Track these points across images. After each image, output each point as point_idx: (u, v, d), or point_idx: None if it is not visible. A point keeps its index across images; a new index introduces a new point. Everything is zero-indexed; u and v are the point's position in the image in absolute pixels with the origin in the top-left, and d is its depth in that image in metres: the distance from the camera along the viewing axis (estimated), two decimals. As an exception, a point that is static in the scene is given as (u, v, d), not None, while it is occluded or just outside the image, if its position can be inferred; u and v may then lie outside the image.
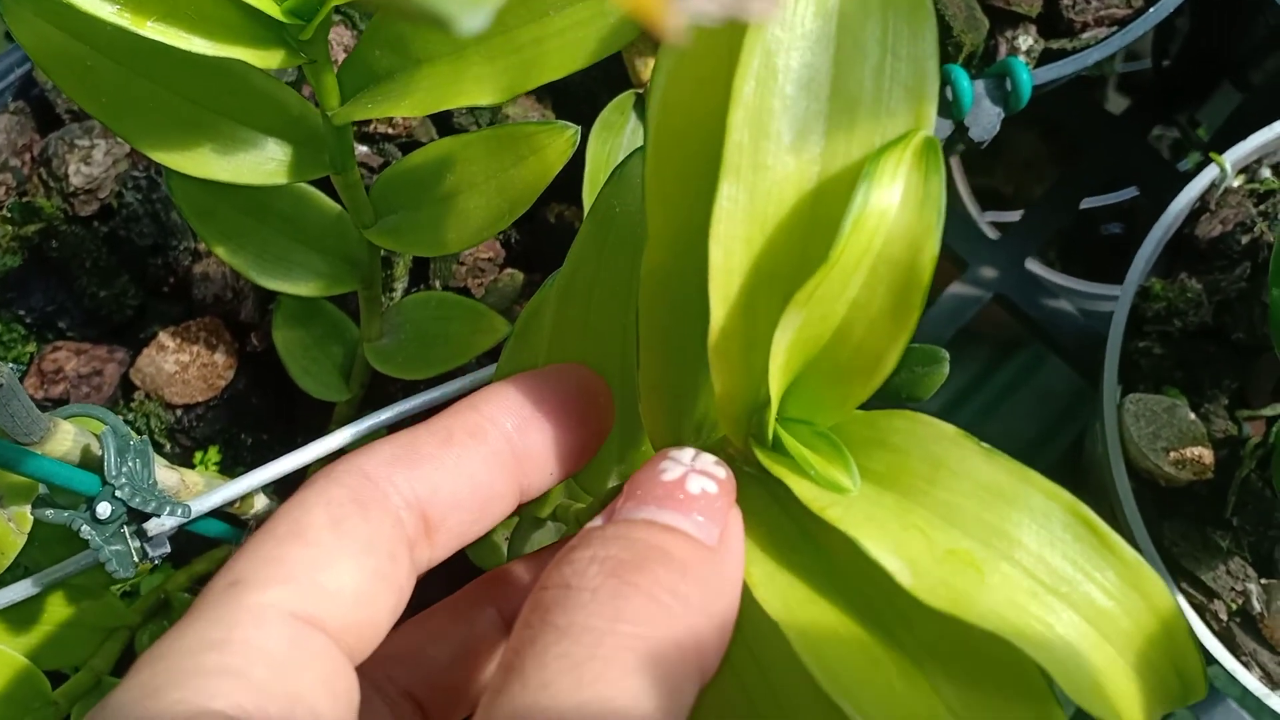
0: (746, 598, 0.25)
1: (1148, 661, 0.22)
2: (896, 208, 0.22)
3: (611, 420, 0.30)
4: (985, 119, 0.50)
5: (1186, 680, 0.23)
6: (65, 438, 0.35)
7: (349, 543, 0.24)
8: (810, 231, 0.24)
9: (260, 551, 0.23)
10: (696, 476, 0.24)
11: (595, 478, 0.33)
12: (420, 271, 0.55)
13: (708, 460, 0.25)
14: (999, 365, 1.00)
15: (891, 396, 0.49)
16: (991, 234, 0.83)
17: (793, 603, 0.24)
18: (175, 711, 0.20)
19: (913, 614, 0.23)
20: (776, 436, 0.25)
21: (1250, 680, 0.49)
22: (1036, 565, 0.22)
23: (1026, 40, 0.53)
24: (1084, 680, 0.21)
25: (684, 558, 0.23)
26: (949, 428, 0.24)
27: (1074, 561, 0.22)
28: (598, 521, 0.24)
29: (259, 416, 0.53)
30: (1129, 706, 0.22)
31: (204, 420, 0.52)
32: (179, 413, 0.51)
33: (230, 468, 0.52)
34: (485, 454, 0.27)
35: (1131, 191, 0.88)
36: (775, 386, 0.24)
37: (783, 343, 0.23)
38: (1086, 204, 0.88)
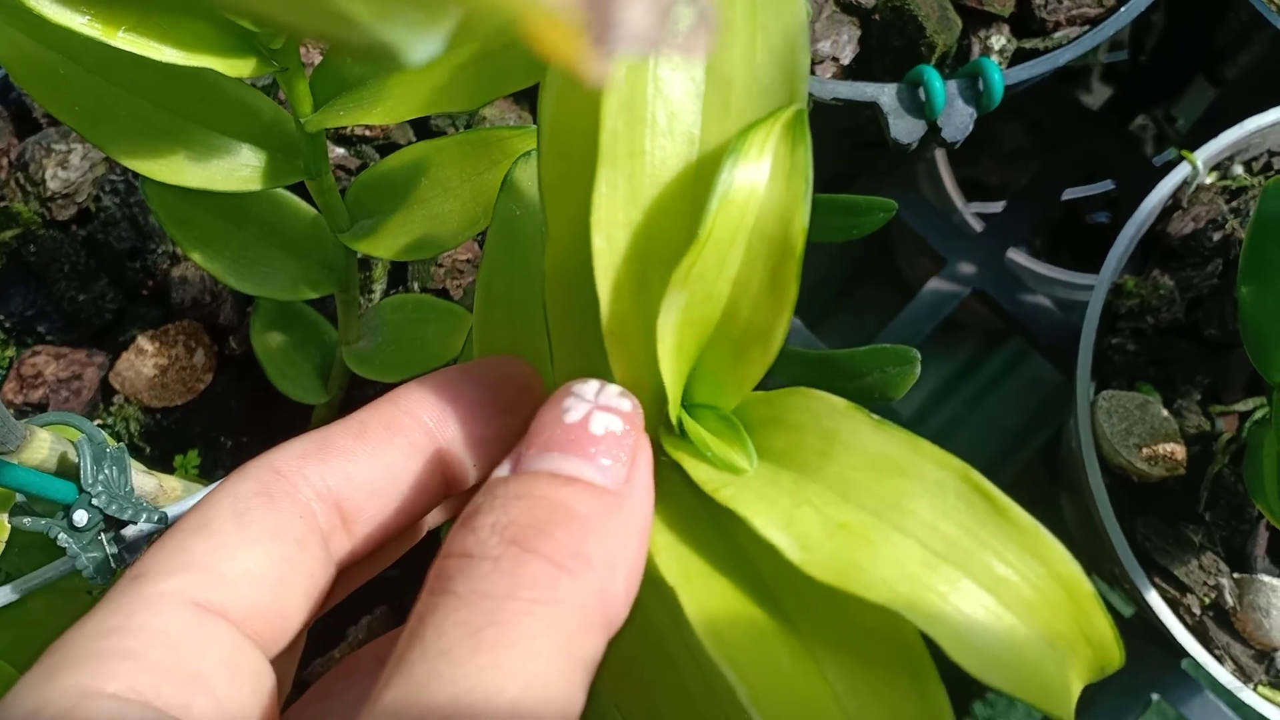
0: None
1: (1053, 629, 0.22)
2: (765, 182, 0.22)
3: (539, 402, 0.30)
4: (958, 119, 0.50)
5: (1098, 647, 0.22)
6: (42, 446, 0.35)
7: (253, 532, 0.24)
8: (694, 213, 0.24)
9: (166, 546, 0.23)
10: (601, 414, 0.24)
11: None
12: (399, 274, 0.55)
13: (612, 393, 0.24)
14: (984, 357, 1.01)
15: (865, 397, 0.49)
16: (976, 225, 0.83)
17: (691, 573, 0.24)
18: (66, 695, 0.20)
19: (809, 597, 0.23)
20: (680, 422, 0.25)
21: (1223, 674, 0.49)
22: (930, 535, 0.22)
23: (999, 40, 0.54)
24: (979, 651, 0.21)
25: (587, 512, 0.22)
26: (840, 401, 0.24)
27: (969, 530, 0.22)
28: (504, 470, 0.24)
29: (238, 419, 0.53)
30: (1036, 676, 0.21)
31: (183, 423, 0.52)
32: (158, 416, 0.52)
33: (210, 471, 0.53)
34: (402, 445, 0.27)
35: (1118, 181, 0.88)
36: (668, 370, 0.24)
37: (669, 324, 0.23)
38: (1071, 194, 0.88)
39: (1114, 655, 0.22)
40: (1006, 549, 0.22)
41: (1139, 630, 0.67)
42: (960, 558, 0.22)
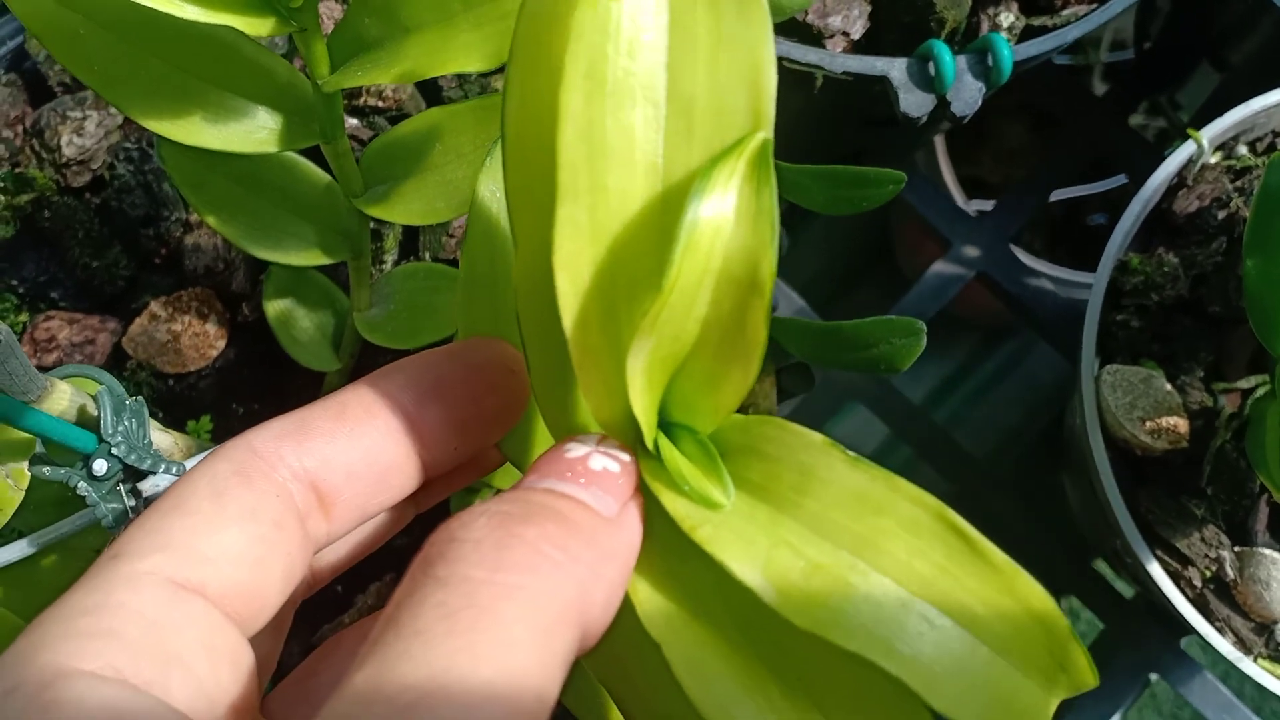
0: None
1: (1030, 662, 0.22)
2: (731, 223, 0.22)
3: (527, 390, 0.30)
4: (967, 94, 0.50)
5: (1073, 674, 0.22)
6: (62, 397, 0.35)
7: (231, 511, 0.24)
8: (661, 242, 0.23)
9: (144, 525, 0.24)
10: (600, 456, 0.24)
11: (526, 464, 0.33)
12: (410, 244, 0.55)
13: (612, 444, 0.25)
14: (985, 354, 1.01)
15: (871, 367, 0.49)
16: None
17: (676, 626, 0.24)
18: (42, 674, 0.20)
19: (795, 629, 0.23)
20: (657, 444, 0.25)
21: (1224, 645, 0.50)
22: (906, 574, 0.22)
23: (1008, 17, 0.54)
24: (954, 694, 0.21)
25: (577, 520, 0.23)
26: (816, 436, 0.23)
27: (944, 569, 0.22)
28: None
29: (250, 386, 0.53)
30: (1010, 704, 0.21)
31: (196, 390, 0.52)
32: (171, 382, 0.52)
33: (222, 437, 0.53)
34: (380, 428, 0.27)
35: (1118, 180, 0.88)
36: (640, 406, 0.24)
37: (638, 367, 0.23)
38: (1073, 194, 0.89)
39: (1088, 679, 0.22)
40: (982, 586, 0.22)
41: (1138, 610, 0.67)
42: (936, 596, 0.22)
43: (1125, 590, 0.76)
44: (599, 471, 0.24)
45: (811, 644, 0.23)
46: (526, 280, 0.25)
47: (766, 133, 0.22)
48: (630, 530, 0.24)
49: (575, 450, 0.24)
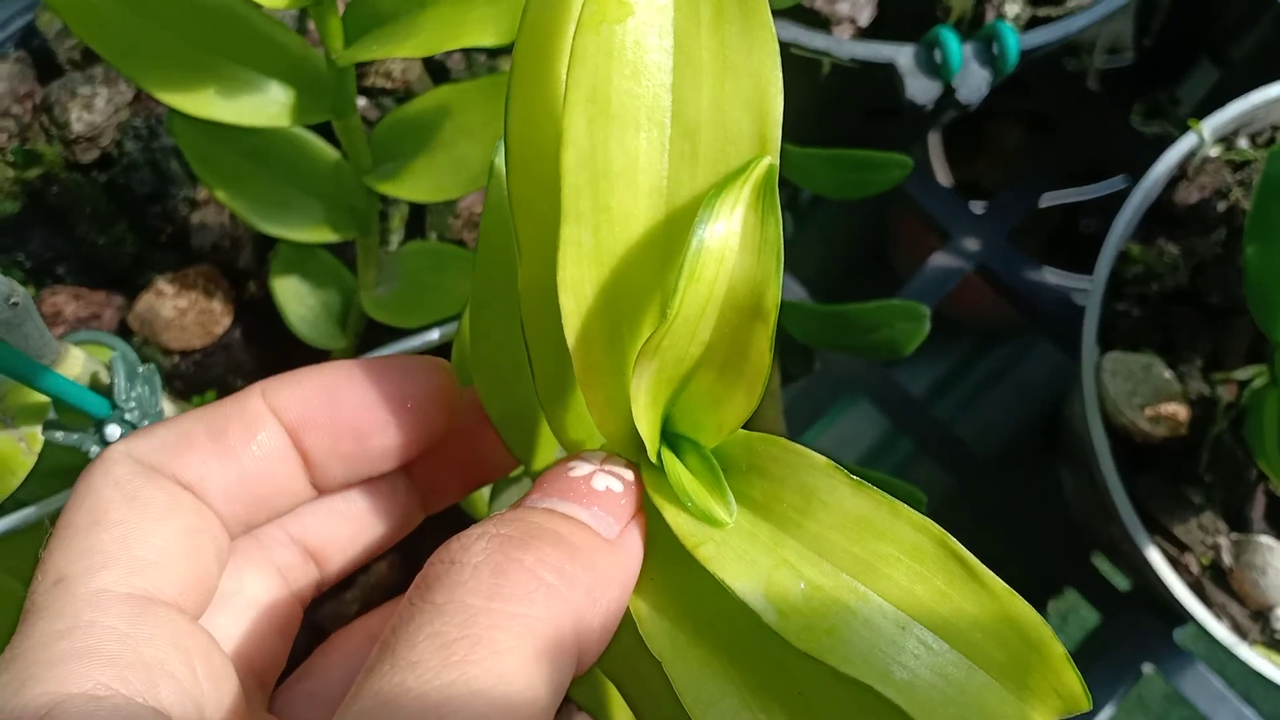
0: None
1: (1025, 687, 0.22)
2: (736, 251, 0.22)
3: (448, 413, 0.29)
4: (973, 81, 0.51)
5: (1067, 699, 0.22)
6: (75, 363, 0.35)
7: (151, 513, 0.25)
8: (664, 267, 0.24)
9: (72, 545, 0.24)
10: (603, 475, 0.24)
11: (531, 461, 0.33)
12: (416, 224, 0.55)
13: (617, 462, 0.25)
14: (982, 356, 1.02)
15: (874, 353, 0.50)
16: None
17: (679, 646, 0.24)
18: (39, 704, 0.20)
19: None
20: (660, 457, 0.25)
21: (1220, 630, 0.50)
22: (905, 599, 0.22)
23: (1014, 7, 0.54)
24: (950, 719, 0.21)
25: (576, 542, 0.22)
26: (820, 458, 0.23)
27: (943, 595, 0.22)
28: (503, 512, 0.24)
29: (255, 364, 0.54)
30: None
31: (201, 366, 0.53)
32: (176, 358, 0.52)
33: (226, 414, 0.53)
34: (261, 448, 0.27)
35: (1116, 184, 0.89)
36: (644, 425, 0.24)
37: (642, 388, 0.23)
38: (1071, 197, 0.89)
39: (1082, 703, 0.23)
40: (980, 613, 0.22)
41: (1133, 602, 0.68)
42: (935, 622, 0.22)
43: (1121, 584, 0.77)
44: (601, 492, 0.24)
45: (812, 663, 0.23)
46: (531, 291, 0.25)
47: (772, 158, 0.22)
48: (630, 552, 0.24)
49: (579, 469, 0.25)
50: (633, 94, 0.22)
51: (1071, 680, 0.22)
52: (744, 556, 0.23)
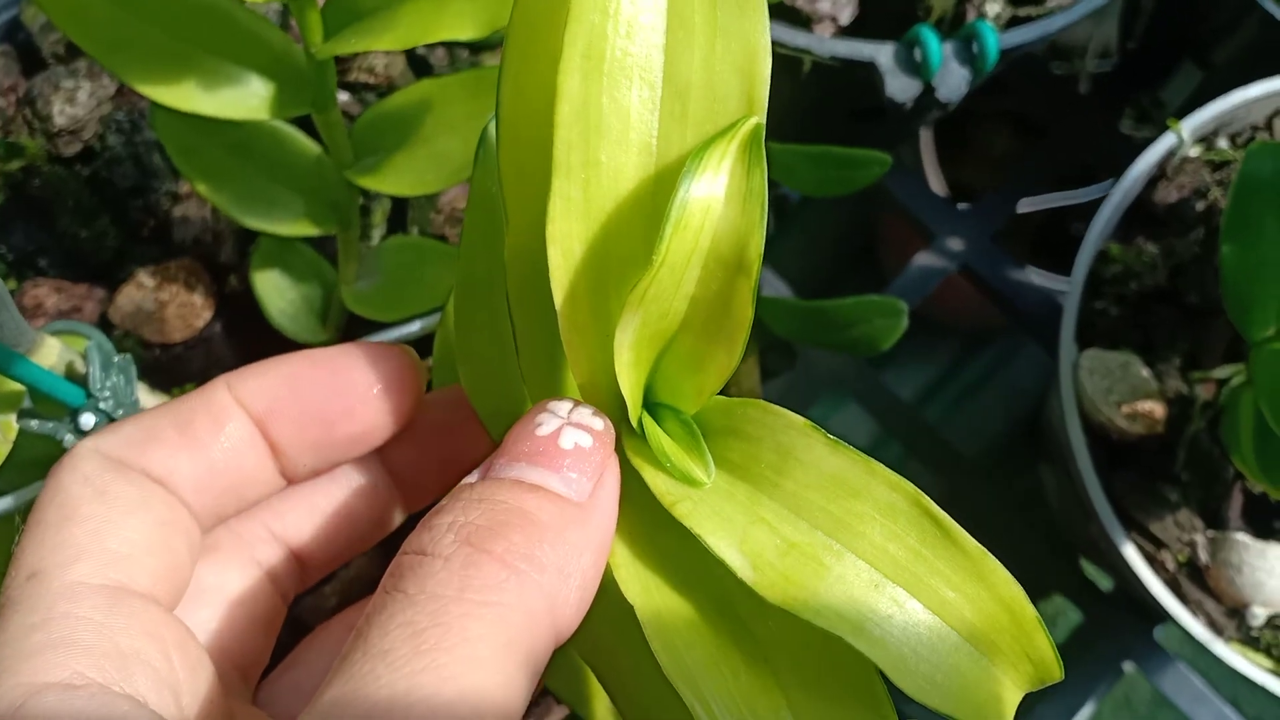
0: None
1: (995, 648, 0.22)
2: (721, 204, 0.22)
3: (406, 409, 0.29)
4: (953, 80, 0.51)
5: (1039, 664, 0.23)
6: (50, 352, 0.35)
7: (121, 505, 0.25)
8: (651, 224, 0.24)
9: (45, 540, 0.24)
10: (571, 430, 0.24)
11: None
12: (398, 220, 0.56)
13: (585, 412, 0.25)
14: (968, 359, 1.02)
15: (853, 348, 0.50)
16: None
17: (650, 590, 0.24)
18: (13, 695, 0.21)
19: (767, 606, 0.24)
20: (641, 422, 0.25)
21: (1196, 627, 0.51)
22: (879, 557, 0.22)
23: (994, 7, 0.55)
24: (920, 676, 0.21)
25: (546, 520, 0.22)
26: (797, 418, 0.24)
27: (917, 553, 0.22)
28: (473, 477, 0.24)
29: (236, 357, 0.54)
30: (974, 694, 0.22)
31: (181, 360, 0.53)
32: (157, 351, 0.52)
33: (207, 408, 0.53)
34: (228, 439, 0.27)
35: (1106, 188, 0.89)
36: (626, 383, 0.24)
37: (625, 342, 0.23)
38: (1058, 201, 0.90)
39: (1054, 671, 0.23)
40: (953, 572, 0.22)
41: (1115, 601, 0.68)
42: (908, 579, 0.22)
43: (1105, 584, 0.77)
44: (570, 450, 0.24)
45: (780, 622, 0.24)
46: (517, 258, 0.25)
47: (759, 118, 0.23)
48: (603, 511, 0.24)
49: (546, 425, 0.24)
50: (626, 52, 0.23)
51: (1043, 644, 0.22)
52: (720, 514, 0.23)
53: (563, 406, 0.25)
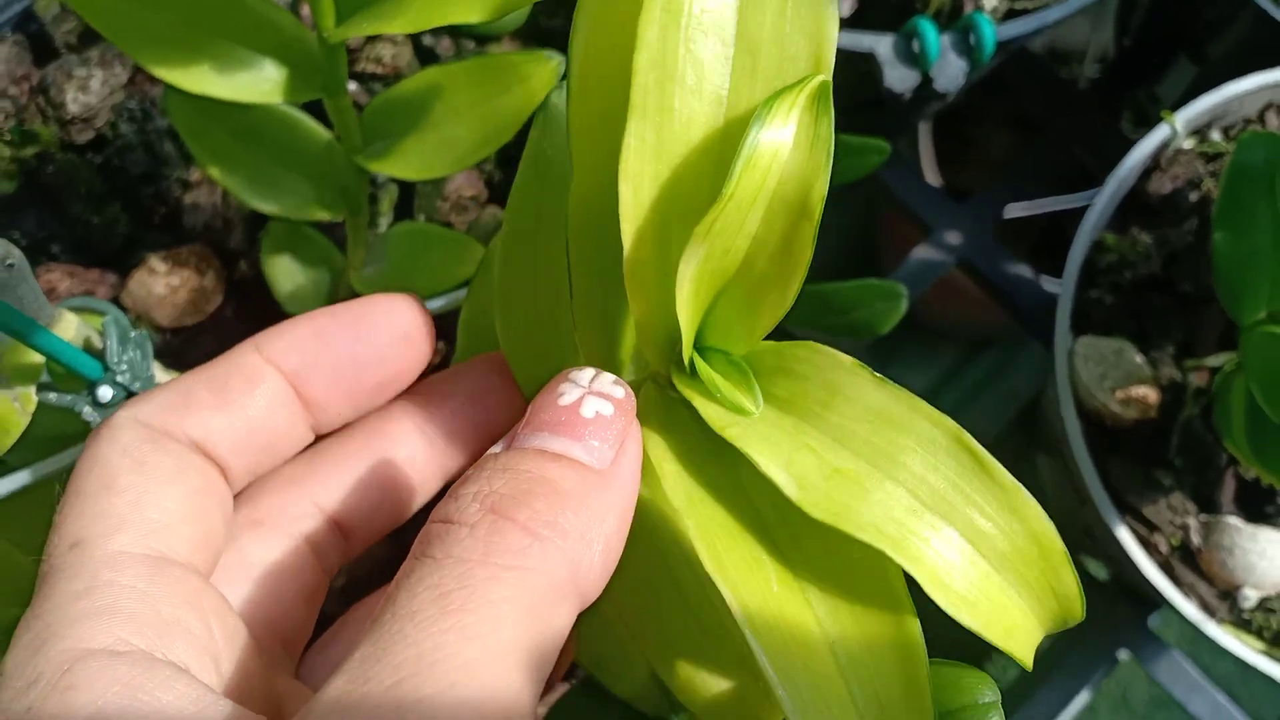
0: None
1: (1024, 580, 0.23)
2: (789, 148, 0.23)
3: (426, 353, 0.31)
4: (950, 71, 0.52)
5: (1063, 600, 0.24)
6: (69, 327, 0.36)
7: (160, 476, 0.26)
8: (718, 170, 0.25)
9: (85, 510, 0.25)
10: (593, 399, 0.25)
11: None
12: (405, 208, 0.56)
13: (606, 381, 0.25)
14: (969, 362, 1.03)
15: (853, 332, 0.51)
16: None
17: (695, 499, 0.25)
18: (60, 661, 0.21)
19: (801, 532, 0.25)
20: (692, 363, 0.26)
21: (1188, 608, 0.51)
22: (918, 486, 0.23)
23: (991, 0, 0.56)
24: (953, 592, 0.23)
25: (568, 488, 0.23)
26: (846, 358, 0.25)
27: (955, 484, 0.23)
28: (498, 447, 0.25)
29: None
30: (1002, 619, 0.23)
31: (192, 344, 0.54)
32: (168, 335, 0.53)
33: (216, 392, 0.54)
34: (263, 399, 0.28)
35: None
36: (685, 316, 0.25)
37: (688, 273, 0.24)
38: (1058, 205, 0.90)
39: (1077, 609, 0.24)
40: (988, 504, 0.23)
41: (1111, 591, 0.69)
42: (945, 509, 0.23)
43: (1101, 574, 0.78)
44: (592, 419, 0.24)
45: (814, 551, 0.25)
46: (581, 208, 0.27)
47: (826, 76, 0.24)
48: (625, 478, 0.24)
49: (568, 395, 0.25)
50: (703, 9, 0.24)
51: (1069, 581, 0.24)
52: (768, 439, 0.24)
53: (584, 375, 0.25)
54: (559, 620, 0.22)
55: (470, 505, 0.23)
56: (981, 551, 0.23)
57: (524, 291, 0.32)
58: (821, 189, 0.24)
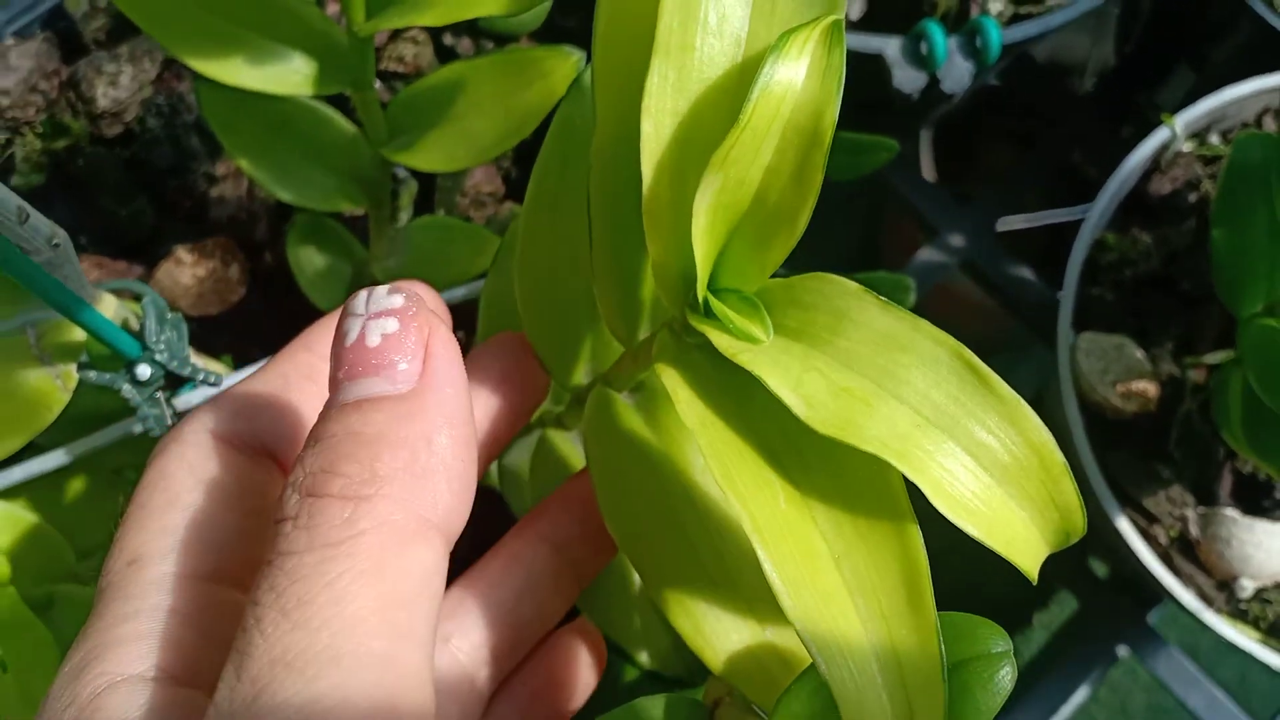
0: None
1: (1024, 492, 0.24)
2: (802, 79, 0.24)
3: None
4: (957, 72, 0.53)
5: (1064, 511, 0.25)
6: (108, 308, 0.38)
7: (220, 495, 0.26)
8: (734, 106, 0.25)
9: (146, 525, 0.25)
10: (374, 322, 0.23)
11: (566, 376, 0.36)
12: (425, 203, 0.58)
13: (380, 295, 0.23)
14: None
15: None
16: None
17: (707, 422, 0.26)
18: (94, 685, 0.21)
19: (809, 460, 0.26)
20: (706, 301, 0.27)
21: (1187, 597, 0.53)
22: (922, 402, 0.24)
23: (997, 4, 0.57)
24: (956, 501, 0.23)
25: (376, 430, 0.22)
26: (852, 284, 0.26)
27: (957, 399, 0.24)
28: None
29: (269, 330, 0.56)
30: (1004, 529, 0.24)
31: (217, 332, 0.55)
32: (194, 324, 0.55)
33: (239, 380, 0.55)
34: (321, 392, 0.27)
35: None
36: (700, 249, 0.26)
37: (704, 204, 0.25)
38: (1059, 218, 0.92)
39: (1078, 521, 0.25)
40: (989, 417, 0.24)
41: (1109, 587, 0.70)
42: (947, 423, 0.24)
43: (1101, 571, 0.79)
44: (379, 345, 0.23)
45: (822, 474, 0.26)
46: (602, 153, 0.28)
47: (839, 15, 0.25)
48: (440, 386, 0.23)
49: (351, 330, 0.23)
50: None
51: (1069, 491, 0.24)
52: (778, 364, 0.25)
53: (359, 302, 0.23)
54: (418, 565, 0.21)
55: (291, 498, 0.22)
56: (983, 464, 0.24)
57: (543, 250, 0.33)
58: (832, 116, 0.25)
